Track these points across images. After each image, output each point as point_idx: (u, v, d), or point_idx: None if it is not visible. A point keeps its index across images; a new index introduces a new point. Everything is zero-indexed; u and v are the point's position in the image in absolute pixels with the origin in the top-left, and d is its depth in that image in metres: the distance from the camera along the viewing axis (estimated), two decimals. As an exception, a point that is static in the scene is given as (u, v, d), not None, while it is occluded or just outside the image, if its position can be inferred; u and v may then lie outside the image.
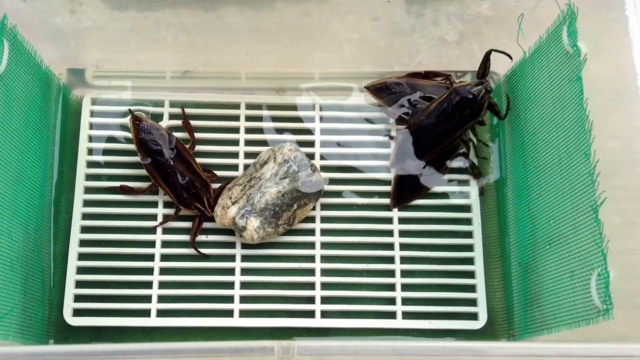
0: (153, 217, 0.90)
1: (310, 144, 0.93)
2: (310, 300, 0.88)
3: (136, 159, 0.88)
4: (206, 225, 0.90)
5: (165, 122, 0.93)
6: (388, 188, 0.92)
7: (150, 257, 0.89)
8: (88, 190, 0.91)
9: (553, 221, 0.79)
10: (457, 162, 0.93)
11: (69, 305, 0.87)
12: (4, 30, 0.79)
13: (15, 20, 0.81)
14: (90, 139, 0.93)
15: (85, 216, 0.90)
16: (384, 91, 0.92)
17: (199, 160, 0.90)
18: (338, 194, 0.92)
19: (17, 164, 0.81)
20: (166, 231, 0.90)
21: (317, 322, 0.87)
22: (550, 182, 0.80)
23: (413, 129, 0.90)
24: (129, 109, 0.89)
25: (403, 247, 0.90)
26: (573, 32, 0.76)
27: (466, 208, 0.92)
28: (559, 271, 0.77)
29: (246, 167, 0.92)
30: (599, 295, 0.69)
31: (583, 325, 0.71)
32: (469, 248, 0.91)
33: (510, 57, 0.88)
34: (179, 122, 0.92)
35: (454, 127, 0.88)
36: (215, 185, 0.90)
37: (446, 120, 0.88)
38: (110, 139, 0.93)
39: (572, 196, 0.75)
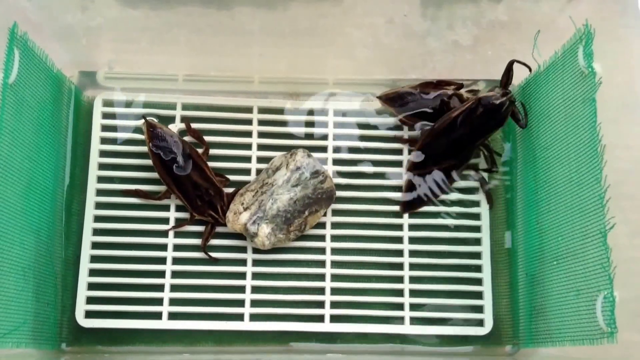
0: (165, 220, 0.91)
1: (323, 149, 0.94)
2: (320, 304, 0.90)
3: (149, 161, 0.89)
4: (218, 229, 0.90)
5: (177, 125, 0.93)
6: (399, 194, 0.93)
7: (162, 260, 0.90)
8: (100, 192, 0.92)
9: (561, 238, 0.80)
10: (467, 171, 0.93)
11: (81, 307, 0.88)
12: (14, 39, 0.78)
13: (24, 19, 0.81)
14: (102, 140, 0.93)
15: (98, 218, 0.91)
16: (396, 101, 0.93)
17: (211, 164, 0.90)
18: (349, 199, 0.93)
19: (29, 172, 0.81)
20: (178, 234, 0.91)
21: (326, 326, 0.89)
22: (560, 199, 0.81)
23: (434, 135, 0.90)
24: (143, 116, 0.89)
25: (412, 253, 0.91)
26: (589, 53, 0.76)
27: (475, 216, 0.93)
28: (565, 288, 0.79)
29: (258, 171, 0.92)
30: (604, 318, 0.70)
31: (587, 344, 0.73)
32: (477, 255, 0.92)
33: (530, 69, 0.88)
34: (191, 125, 0.93)
35: (475, 135, 0.88)
36: (228, 190, 0.91)
37: (468, 128, 0.88)
38: (123, 141, 0.93)
39: (581, 217, 0.76)
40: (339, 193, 0.91)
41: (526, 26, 0.89)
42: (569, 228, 0.79)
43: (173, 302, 0.89)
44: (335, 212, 0.92)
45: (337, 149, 0.94)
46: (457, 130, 0.89)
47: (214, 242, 0.90)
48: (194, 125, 0.92)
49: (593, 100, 0.75)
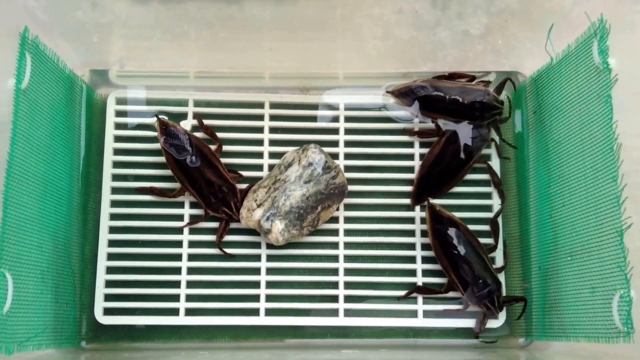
0: (180, 217, 0.92)
1: (334, 143, 0.94)
2: (334, 299, 0.90)
3: (163, 158, 0.89)
4: (232, 225, 0.91)
5: (189, 122, 0.93)
6: (411, 188, 0.93)
7: (178, 257, 0.91)
8: (115, 190, 0.92)
9: (575, 234, 0.80)
10: (478, 164, 0.93)
11: (99, 304, 0.89)
12: (26, 43, 0.77)
13: (32, 18, 0.81)
14: (116, 139, 0.93)
15: (113, 217, 0.92)
16: (408, 95, 0.92)
17: (223, 160, 0.91)
18: (362, 194, 0.93)
19: (44, 175, 0.81)
20: (193, 231, 0.91)
21: (341, 320, 0.90)
22: (574, 194, 0.81)
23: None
24: (156, 115, 0.89)
25: (424, 246, 0.92)
26: (604, 49, 0.75)
27: (487, 208, 0.93)
28: (579, 284, 0.79)
29: (271, 167, 0.93)
30: (620, 317, 0.71)
31: (603, 342, 0.73)
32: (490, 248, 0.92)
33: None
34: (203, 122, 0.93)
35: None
36: (241, 186, 0.91)
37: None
38: (136, 139, 0.93)
39: (596, 214, 0.76)
40: (351, 187, 0.91)
41: (537, 14, 0.88)
42: (583, 224, 0.79)
43: (189, 298, 0.90)
44: (348, 207, 0.93)
45: (348, 143, 0.94)
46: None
47: (228, 238, 0.91)
48: (205, 122, 0.92)
49: (608, 96, 0.74)
